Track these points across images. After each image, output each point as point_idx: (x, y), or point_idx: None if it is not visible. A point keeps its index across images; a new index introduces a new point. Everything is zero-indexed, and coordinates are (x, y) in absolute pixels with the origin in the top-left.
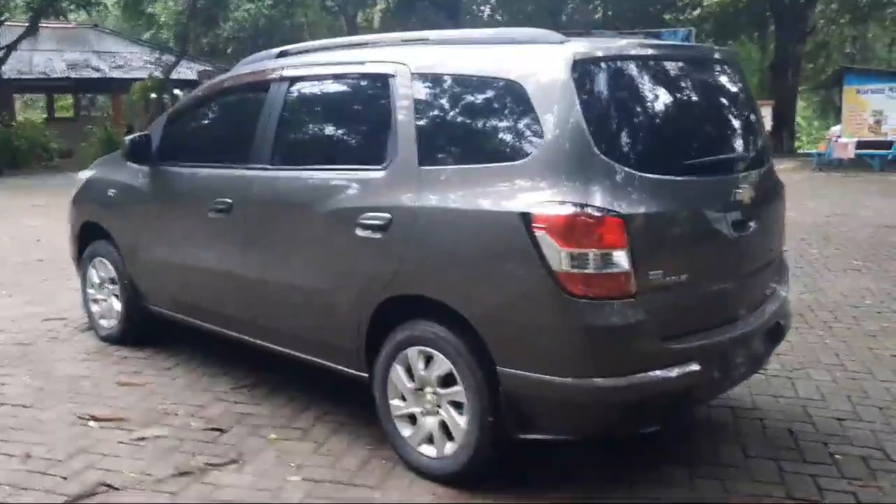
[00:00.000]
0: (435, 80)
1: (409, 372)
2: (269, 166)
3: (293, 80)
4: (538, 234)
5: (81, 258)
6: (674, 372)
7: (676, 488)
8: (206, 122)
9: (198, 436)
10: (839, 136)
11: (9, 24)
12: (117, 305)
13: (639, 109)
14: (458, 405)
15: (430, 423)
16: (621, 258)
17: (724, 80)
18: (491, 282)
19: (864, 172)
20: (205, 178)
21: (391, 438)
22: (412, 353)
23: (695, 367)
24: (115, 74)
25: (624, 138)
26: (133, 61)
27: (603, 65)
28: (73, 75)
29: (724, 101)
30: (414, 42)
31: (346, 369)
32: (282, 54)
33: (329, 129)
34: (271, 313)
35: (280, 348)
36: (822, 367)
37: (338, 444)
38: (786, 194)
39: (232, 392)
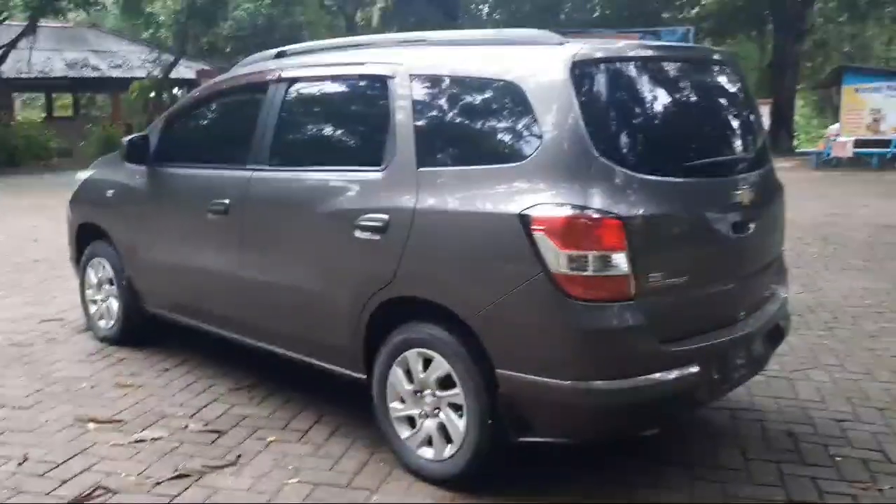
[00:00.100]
0: (433, 81)
1: (408, 374)
2: (267, 167)
3: (291, 81)
4: (537, 235)
5: (80, 259)
6: (673, 374)
7: (676, 491)
8: (204, 123)
9: (196, 437)
10: (838, 135)
11: (8, 23)
12: (115, 306)
13: (638, 111)
14: (456, 407)
15: (429, 425)
16: (620, 260)
17: (723, 81)
18: (490, 284)
19: (862, 171)
20: (203, 179)
21: (390, 441)
22: (411, 355)
23: (694, 369)
24: (114, 73)
25: (623, 140)
26: (132, 60)
27: (602, 66)
28: (71, 74)
29: (723, 102)
30: (412, 43)
31: (344, 371)
32: (280, 55)
33: (327, 131)
34: (270, 314)
35: (279, 350)
36: (822, 369)
37: (336, 446)
38: (785, 195)
39: (230, 394)
